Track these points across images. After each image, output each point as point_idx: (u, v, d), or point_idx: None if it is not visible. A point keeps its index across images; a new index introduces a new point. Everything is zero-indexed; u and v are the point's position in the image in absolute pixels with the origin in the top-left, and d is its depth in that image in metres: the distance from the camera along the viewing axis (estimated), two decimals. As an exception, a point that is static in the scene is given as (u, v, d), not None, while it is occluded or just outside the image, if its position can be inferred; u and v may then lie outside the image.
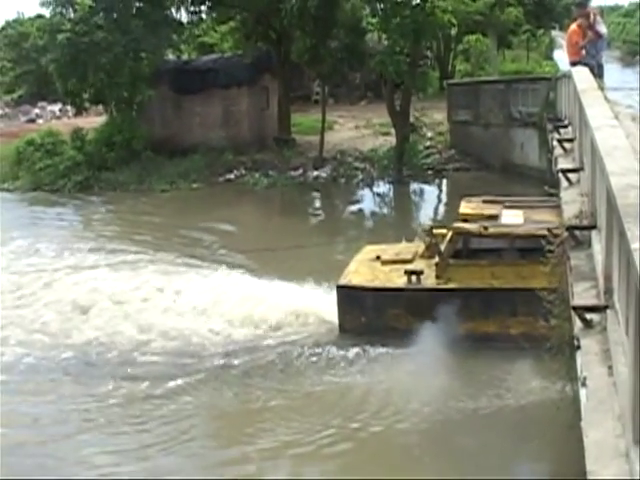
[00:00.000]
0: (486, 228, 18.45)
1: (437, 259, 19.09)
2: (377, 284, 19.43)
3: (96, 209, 38.15)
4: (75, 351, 19.63)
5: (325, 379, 17.50)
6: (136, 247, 28.60)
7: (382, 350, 18.29)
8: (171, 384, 17.63)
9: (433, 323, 17.83)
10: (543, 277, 12.54)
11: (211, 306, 21.33)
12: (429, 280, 18.87)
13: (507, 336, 17.29)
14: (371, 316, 19.21)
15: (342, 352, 18.54)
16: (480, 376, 16.81)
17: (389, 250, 21.23)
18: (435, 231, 20.32)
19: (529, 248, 17.03)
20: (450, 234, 19.17)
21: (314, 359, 18.46)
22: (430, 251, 19.75)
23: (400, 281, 19.14)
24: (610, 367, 7.34)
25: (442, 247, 19.15)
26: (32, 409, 17.08)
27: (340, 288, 19.71)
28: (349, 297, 19.51)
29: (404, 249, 21.15)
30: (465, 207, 20.25)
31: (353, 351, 18.48)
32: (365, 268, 20.31)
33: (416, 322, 18.16)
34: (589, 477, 5.96)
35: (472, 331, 18.00)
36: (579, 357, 8.06)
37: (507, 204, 20.20)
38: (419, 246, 20.75)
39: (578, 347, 8.20)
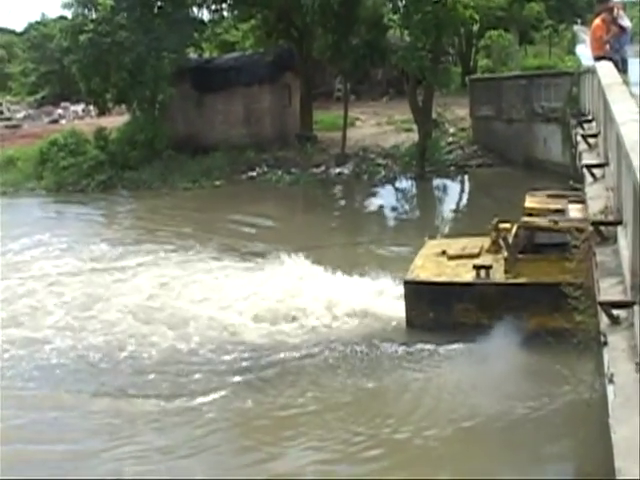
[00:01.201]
0: (556, 222, 18.24)
1: (506, 253, 18.91)
2: (445, 279, 19.24)
3: (121, 207, 38.51)
4: (110, 352, 19.25)
5: (394, 376, 17.14)
6: (170, 243, 28.71)
7: (451, 346, 17.92)
8: (220, 379, 17.41)
9: (502, 318, 17.64)
10: None
11: (274, 301, 21.16)
12: (497, 275, 18.74)
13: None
14: (439, 311, 18.92)
15: (409, 348, 18.21)
16: (548, 372, 16.48)
17: (454, 244, 21.08)
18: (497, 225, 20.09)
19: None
20: (516, 228, 19.02)
21: (382, 356, 18.14)
22: (496, 246, 19.64)
23: (468, 276, 18.98)
24: (637, 364, 7.29)
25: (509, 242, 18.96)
26: (57, 420, 16.43)
27: (407, 283, 19.50)
28: (417, 292, 19.28)
29: (469, 244, 20.92)
30: (530, 201, 19.93)
31: (421, 347, 18.12)
32: (431, 263, 20.13)
33: (485, 317, 18.07)
34: (617, 475, 5.92)
35: (542, 326, 17.78)
36: (606, 353, 8.01)
37: (572, 198, 19.98)
38: (484, 241, 20.54)
39: (605, 343, 8.15)
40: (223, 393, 16.87)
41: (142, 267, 25.66)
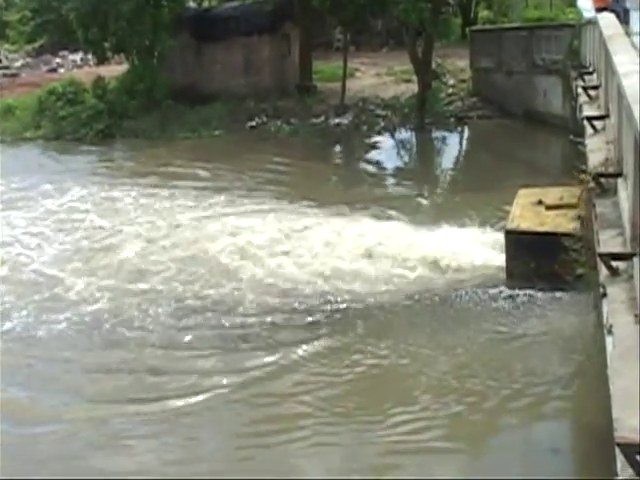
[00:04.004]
0: None
1: None
2: (549, 229, 18.80)
3: (120, 156, 38.48)
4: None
5: (496, 328, 17.04)
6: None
7: (553, 296, 17.80)
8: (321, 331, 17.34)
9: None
10: None
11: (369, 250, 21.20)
12: None
13: None
14: (541, 262, 18.37)
15: (511, 299, 18.10)
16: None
17: (549, 194, 20.63)
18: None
19: None
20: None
21: (485, 305, 18.09)
22: None
23: (571, 226, 18.21)
24: (637, 315, 7.33)
25: None
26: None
27: (509, 233, 19.24)
28: (518, 242, 18.96)
29: (565, 193, 20.17)
30: None
31: (523, 298, 18.01)
32: (530, 213, 19.80)
33: (589, 269, 17.76)
34: (615, 425, 5.96)
35: None
36: (605, 305, 8.05)
37: None
38: (577, 191, 20.34)
39: (604, 295, 8.18)
40: (329, 342, 16.92)
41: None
